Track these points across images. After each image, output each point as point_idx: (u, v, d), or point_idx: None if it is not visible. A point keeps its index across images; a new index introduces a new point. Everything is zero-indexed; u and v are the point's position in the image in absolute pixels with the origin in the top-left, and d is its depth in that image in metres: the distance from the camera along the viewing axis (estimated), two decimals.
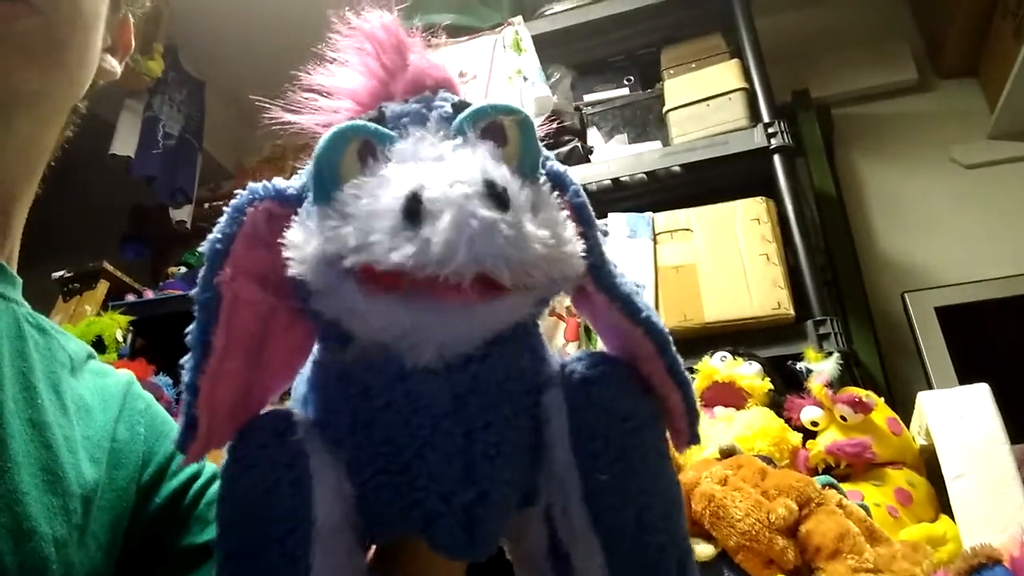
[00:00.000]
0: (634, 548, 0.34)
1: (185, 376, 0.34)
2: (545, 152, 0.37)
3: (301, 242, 0.32)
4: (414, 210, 0.28)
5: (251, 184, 0.35)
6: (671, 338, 0.36)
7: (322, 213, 0.32)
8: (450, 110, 0.35)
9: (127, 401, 0.56)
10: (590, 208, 0.37)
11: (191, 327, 0.34)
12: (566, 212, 0.34)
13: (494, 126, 0.34)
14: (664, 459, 0.36)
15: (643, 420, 0.35)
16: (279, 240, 0.33)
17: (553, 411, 0.35)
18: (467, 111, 0.34)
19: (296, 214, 0.34)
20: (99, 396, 0.54)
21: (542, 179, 0.35)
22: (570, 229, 0.33)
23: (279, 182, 0.35)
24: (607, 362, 0.37)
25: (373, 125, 0.33)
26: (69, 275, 2.12)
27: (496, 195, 0.29)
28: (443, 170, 0.30)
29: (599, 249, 0.36)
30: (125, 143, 2.21)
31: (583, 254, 0.33)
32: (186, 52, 2.46)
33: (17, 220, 0.54)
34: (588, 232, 0.35)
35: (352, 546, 0.35)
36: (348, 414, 0.35)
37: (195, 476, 0.56)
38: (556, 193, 0.35)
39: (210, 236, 0.34)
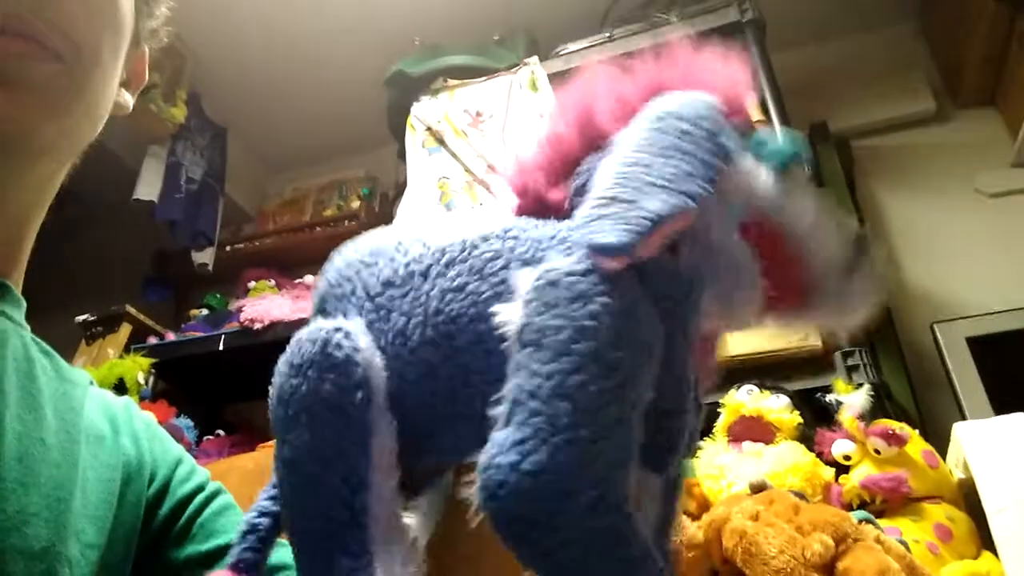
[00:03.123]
0: None
1: None
2: None
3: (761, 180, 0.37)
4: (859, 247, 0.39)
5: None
6: None
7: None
8: None
9: (130, 419, 0.57)
10: None
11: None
12: None
13: None
14: None
15: None
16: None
17: None
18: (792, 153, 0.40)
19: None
20: (105, 416, 0.55)
21: None
22: None
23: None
24: None
25: None
26: (92, 319, 2.13)
27: None
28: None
29: None
30: (148, 188, 2.25)
31: None
32: (208, 99, 2.51)
33: (26, 249, 0.55)
34: None
35: None
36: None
37: (199, 489, 0.57)
38: None
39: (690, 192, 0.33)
